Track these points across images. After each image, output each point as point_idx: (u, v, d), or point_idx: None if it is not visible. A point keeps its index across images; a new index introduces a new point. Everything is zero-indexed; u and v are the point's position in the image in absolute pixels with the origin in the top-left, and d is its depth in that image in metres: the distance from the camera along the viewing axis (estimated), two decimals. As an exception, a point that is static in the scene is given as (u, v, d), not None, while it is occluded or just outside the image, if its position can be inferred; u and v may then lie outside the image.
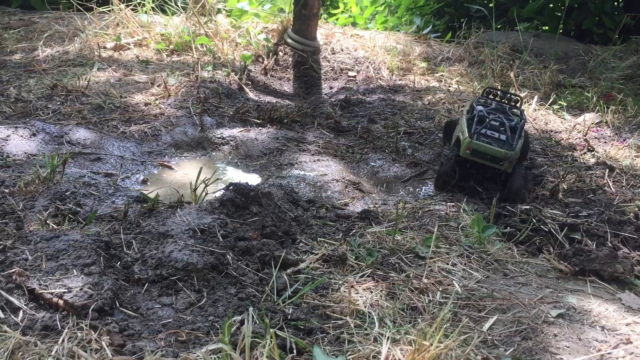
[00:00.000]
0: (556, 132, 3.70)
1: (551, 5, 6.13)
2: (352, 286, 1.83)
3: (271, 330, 1.44)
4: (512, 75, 4.35)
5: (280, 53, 4.65)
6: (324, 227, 2.29)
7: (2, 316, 1.49)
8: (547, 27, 6.32)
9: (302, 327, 1.61)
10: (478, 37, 5.29)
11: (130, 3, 4.65)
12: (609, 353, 1.56)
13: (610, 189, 2.83)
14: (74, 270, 1.65)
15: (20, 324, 1.47)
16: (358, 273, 1.93)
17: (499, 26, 5.96)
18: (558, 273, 2.07)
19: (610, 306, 1.82)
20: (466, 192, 2.87)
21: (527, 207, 2.52)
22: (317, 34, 4.76)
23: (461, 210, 2.53)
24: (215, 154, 3.12)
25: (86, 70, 3.84)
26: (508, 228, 2.36)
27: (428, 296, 1.82)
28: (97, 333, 1.46)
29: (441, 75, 4.64)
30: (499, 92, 3.05)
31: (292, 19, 4.68)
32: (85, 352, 1.40)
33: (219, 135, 3.23)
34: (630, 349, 1.57)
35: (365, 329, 1.62)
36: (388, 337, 1.54)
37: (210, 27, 4.58)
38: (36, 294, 1.56)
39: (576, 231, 2.30)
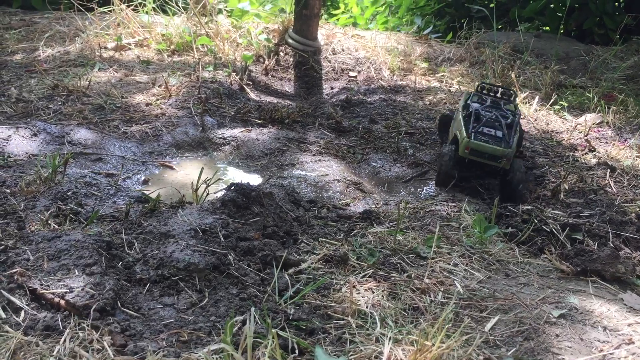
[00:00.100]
0: (557, 132, 3.70)
1: (552, 5, 6.13)
2: (354, 286, 1.83)
3: (273, 330, 1.44)
4: (513, 75, 4.35)
5: (281, 53, 4.65)
6: (326, 228, 2.29)
7: (4, 316, 1.49)
8: (548, 28, 6.32)
9: (304, 327, 1.61)
10: (479, 38, 5.29)
11: (131, 3, 4.65)
12: (611, 353, 1.56)
13: (612, 189, 2.82)
14: (76, 271, 1.65)
15: (22, 324, 1.47)
16: (360, 273, 1.93)
17: (499, 26, 5.96)
18: (560, 273, 2.07)
19: (612, 306, 1.82)
20: (467, 192, 2.87)
21: (529, 207, 2.52)
22: (318, 34, 4.76)
23: (462, 211, 2.53)
24: (217, 154, 3.12)
25: (87, 70, 3.84)
26: (509, 228, 2.36)
27: (430, 296, 1.81)
28: (98, 333, 1.46)
29: (442, 75, 4.64)
30: (492, 88, 3.08)
31: (293, 19, 4.68)
32: (87, 352, 1.40)
33: (220, 136, 3.23)
34: (632, 349, 1.57)
35: (367, 329, 1.62)
36: (390, 338, 1.54)
37: (211, 28, 4.59)
38: (38, 294, 1.56)
39: (578, 231, 2.29)
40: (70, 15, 4.82)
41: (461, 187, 2.91)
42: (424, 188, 2.89)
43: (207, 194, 2.29)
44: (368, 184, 2.94)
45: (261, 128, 3.40)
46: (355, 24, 6.84)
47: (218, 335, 1.53)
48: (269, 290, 1.77)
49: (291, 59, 4.61)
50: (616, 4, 5.96)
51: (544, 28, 6.39)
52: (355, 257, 2.02)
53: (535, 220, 2.35)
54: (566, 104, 4.12)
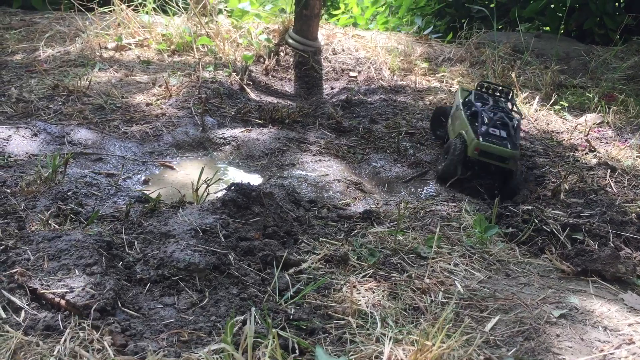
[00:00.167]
0: (558, 132, 3.70)
1: (552, 5, 6.12)
2: (354, 286, 1.83)
3: (273, 330, 1.44)
4: (513, 75, 4.35)
5: (282, 53, 4.65)
6: (326, 228, 2.29)
7: (4, 316, 1.49)
8: (548, 28, 6.31)
9: (304, 327, 1.61)
10: (479, 38, 5.29)
11: (131, 3, 4.65)
12: (611, 353, 1.56)
13: (612, 189, 2.82)
14: (76, 270, 1.64)
15: (22, 324, 1.47)
16: (360, 273, 1.93)
17: (500, 27, 5.96)
18: (560, 273, 2.07)
19: (612, 306, 1.82)
20: (468, 192, 2.87)
21: (529, 207, 2.52)
22: (318, 34, 4.76)
23: (463, 211, 2.53)
24: (217, 154, 3.12)
25: (87, 70, 3.85)
26: (510, 228, 2.36)
27: (430, 296, 1.81)
28: (99, 333, 1.46)
29: (442, 75, 4.64)
30: (491, 86, 3.12)
31: (293, 19, 4.68)
32: (88, 352, 1.40)
33: (220, 136, 3.23)
34: (632, 349, 1.57)
35: (368, 329, 1.62)
36: (390, 337, 1.54)
37: (211, 28, 4.59)
38: (38, 294, 1.56)
39: (578, 231, 2.29)
40: (70, 16, 4.82)
41: (461, 187, 2.91)
42: (425, 188, 2.88)
43: (208, 194, 2.29)
44: (368, 184, 2.94)
45: (261, 128, 3.40)
46: (355, 24, 6.84)
47: (218, 335, 1.53)
48: (269, 290, 1.77)
49: (291, 59, 4.61)
50: (616, 4, 5.96)
51: (544, 28, 6.38)
52: (355, 257, 2.02)
53: (536, 220, 2.35)
54: (566, 104, 4.12)
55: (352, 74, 4.58)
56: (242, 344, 1.39)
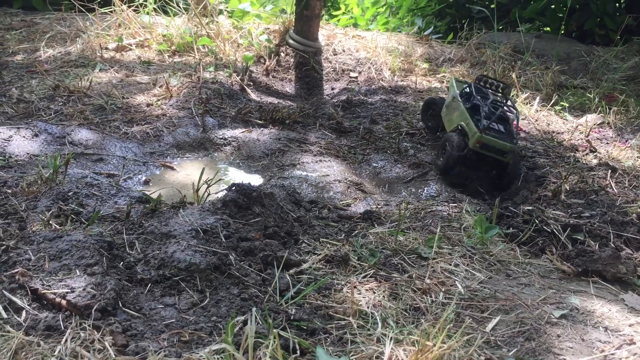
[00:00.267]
0: (558, 133, 3.69)
1: (553, 6, 6.12)
2: (355, 287, 1.83)
3: (274, 330, 1.44)
4: (514, 76, 4.35)
5: (282, 54, 4.65)
6: (327, 228, 2.29)
7: (5, 316, 1.49)
8: (548, 28, 6.31)
9: (305, 327, 1.61)
10: (480, 38, 5.29)
11: (132, 4, 4.66)
12: (612, 354, 1.56)
13: (613, 189, 2.82)
14: (77, 271, 1.65)
15: (23, 324, 1.47)
16: (361, 273, 1.93)
17: (500, 27, 5.96)
18: (561, 274, 2.07)
19: (613, 307, 1.82)
20: (468, 192, 2.88)
21: (530, 207, 2.52)
22: (319, 35, 4.76)
23: (463, 211, 2.53)
24: (217, 154, 3.12)
25: (88, 71, 3.85)
26: (510, 229, 2.36)
27: (431, 297, 1.81)
28: (100, 333, 1.46)
29: (443, 76, 4.64)
30: (490, 80, 3.23)
31: (293, 20, 4.68)
32: (89, 352, 1.40)
33: (220, 136, 3.23)
34: (633, 350, 1.57)
35: (368, 330, 1.62)
36: (391, 338, 1.54)
37: (212, 28, 4.59)
38: (39, 294, 1.56)
39: (579, 232, 2.29)
40: (71, 16, 4.82)
41: (462, 188, 2.92)
42: (425, 188, 2.89)
43: (208, 194, 2.29)
44: (369, 184, 2.94)
45: (262, 128, 3.40)
46: (356, 25, 6.85)
47: (219, 336, 1.53)
48: (270, 291, 1.77)
49: (292, 60, 4.61)
50: (617, 4, 5.96)
51: (545, 29, 6.38)
52: (356, 258, 2.02)
53: (537, 221, 2.35)
54: (567, 105, 4.12)
55: (352, 74, 4.58)
56: (243, 344, 1.39)
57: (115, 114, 3.29)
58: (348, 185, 2.78)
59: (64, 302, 1.53)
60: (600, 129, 3.73)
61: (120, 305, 1.60)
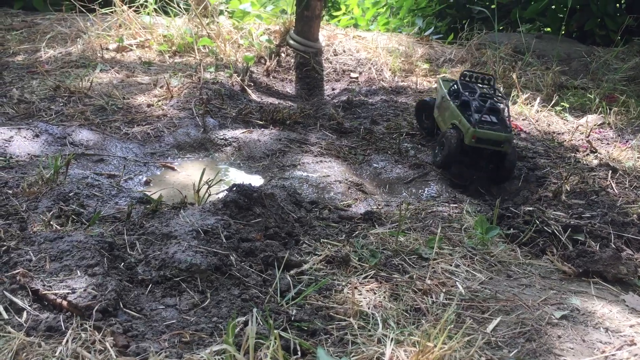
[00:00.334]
0: (559, 133, 3.70)
1: (553, 6, 6.12)
2: (356, 287, 1.83)
3: (275, 331, 1.44)
4: (514, 76, 4.35)
5: (283, 54, 4.65)
6: (327, 229, 2.29)
7: (6, 317, 1.49)
8: (549, 29, 6.31)
9: (306, 328, 1.61)
10: (480, 39, 5.29)
11: (132, 4, 4.66)
12: (613, 355, 1.56)
13: (614, 190, 2.82)
14: (78, 271, 1.65)
15: (24, 324, 1.47)
16: (361, 274, 1.93)
17: (501, 27, 5.96)
18: (561, 274, 2.07)
19: (614, 308, 1.82)
20: (469, 193, 2.88)
21: (530, 208, 2.52)
22: (319, 35, 4.76)
23: (464, 212, 2.53)
24: (218, 155, 3.12)
25: (89, 71, 3.85)
26: (511, 229, 2.36)
27: (431, 297, 1.81)
28: (101, 334, 1.46)
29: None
30: (474, 74, 3.29)
31: (294, 20, 4.69)
32: (89, 353, 1.40)
33: (221, 137, 3.23)
34: (634, 351, 1.57)
35: (369, 330, 1.62)
36: (392, 339, 1.54)
37: (212, 29, 4.59)
38: (40, 295, 1.56)
39: (579, 232, 2.29)
40: (71, 17, 4.82)
41: (463, 188, 2.92)
42: (426, 189, 2.89)
43: (209, 195, 2.29)
44: (369, 185, 2.94)
45: (262, 129, 3.40)
46: (356, 25, 6.85)
47: (220, 336, 1.53)
48: (270, 291, 1.77)
49: (292, 60, 4.61)
50: (617, 5, 5.96)
51: (545, 29, 6.39)
52: (356, 258, 2.02)
53: (537, 222, 2.35)
54: (567, 105, 4.12)
55: (353, 75, 4.58)
56: (243, 345, 1.39)
57: (116, 114, 3.29)
58: (349, 185, 2.78)
59: (64, 302, 1.54)
60: (601, 130, 3.73)
61: (121, 306, 1.60)
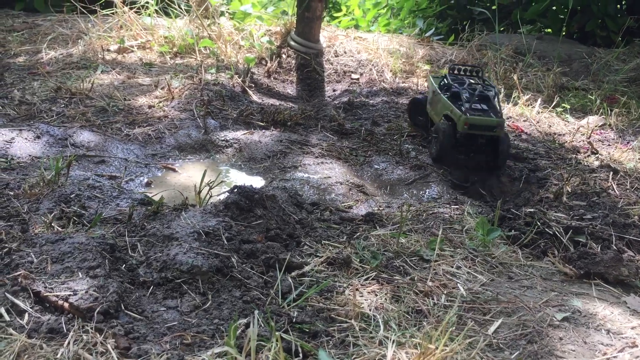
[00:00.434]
0: (560, 134, 3.69)
1: (554, 7, 6.12)
2: (357, 289, 1.83)
3: (276, 333, 1.44)
4: (515, 77, 4.35)
5: (284, 56, 4.65)
6: (328, 230, 2.29)
7: (8, 319, 1.49)
8: (550, 30, 6.31)
9: (307, 330, 1.61)
10: (481, 40, 5.29)
11: (133, 6, 4.66)
12: (614, 356, 1.56)
13: (615, 191, 2.82)
14: (79, 273, 1.65)
15: (26, 326, 1.47)
16: (363, 276, 1.93)
17: (501, 29, 5.96)
18: (563, 276, 2.07)
19: (615, 309, 1.82)
20: (470, 194, 2.88)
21: (532, 210, 2.52)
22: (320, 36, 4.76)
23: (465, 213, 2.53)
24: (219, 156, 3.12)
25: (90, 72, 3.85)
26: (512, 231, 2.36)
27: (433, 299, 1.81)
28: (102, 336, 1.46)
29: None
30: (462, 67, 3.39)
31: (295, 21, 4.69)
32: (91, 355, 1.40)
33: (222, 138, 3.23)
34: (635, 353, 1.57)
35: (370, 332, 1.62)
36: (393, 341, 1.54)
37: (213, 30, 4.59)
38: (41, 297, 1.56)
39: (581, 234, 2.29)
40: (72, 18, 4.82)
41: (464, 190, 2.92)
42: (427, 190, 2.88)
43: (210, 196, 2.29)
44: (370, 186, 2.94)
45: (264, 130, 3.40)
46: (357, 26, 6.85)
47: (221, 338, 1.53)
48: (272, 293, 1.77)
49: (293, 62, 4.61)
50: (618, 6, 5.96)
51: (546, 30, 6.38)
52: (358, 260, 2.02)
53: (538, 223, 2.35)
54: (568, 106, 4.12)
55: (354, 76, 4.58)
56: (245, 347, 1.39)
57: (117, 115, 3.29)
58: (350, 187, 2.78)
59: (66, 304, 1.54)
60: (602, 131, 3.73)
61: (123, 307, 1.60)
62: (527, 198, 2.81)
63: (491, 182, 3.03)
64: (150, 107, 3.47)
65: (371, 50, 4.83)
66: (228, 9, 5.05)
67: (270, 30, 4.88)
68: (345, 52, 4.80)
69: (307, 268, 1.93)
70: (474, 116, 2.92)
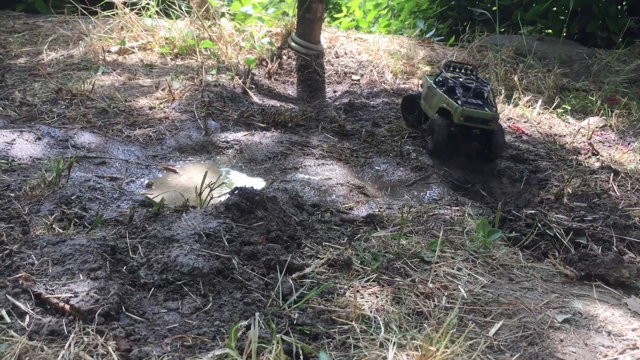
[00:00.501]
0: (560, 135, 3.70)
1: (555, 8, 6.12)
2: (358, 291, 1.83)
3: (277, 335, 1.44)
4: (516, 78, 4.35)
5: (284, 57, 4.66)
6: (329, 232, 2.29)
7: (9, 321, 1.49)
8: (550, 31, 6.31)
9: (308, 332, 1.61)
10: (481, 41, 5.29)
11: (134, 7, 4.66)
12: (615, 358, 1.56)
13: (615, 193, 2.82)
14: (80, 275, 1.65)
15: (27, 328, 1.47)
16: (363, 278, 1.93)
17: (502, 30, 5.96)
18: (564, 278, 2.07)
19: (616, 311, 1.81)
20: (470, 196, 2.88)
21: (532, 211, 2.52)
22: (321, 37, 4.77)
23: (466, 215, 2.53)
24: (220, 157, 3.12)
25: (91, 74, 3.86)
26: (513, 232, 2.36)
27: (434, 301, 1.81)
28: (103, 338, 1.46)
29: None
30: (457, 65, 3.48)
31: (295, 22, 4.69)
32: (92, 357, 1.40)
33: (223, 139, 3.23)
34: (636, 354, 1.57)
35: (371, 334, 1.62)
36: (394, 343, 1.54)
37: (214, 31, 4.60)
38: (42, 299, 1.56)
39: (581, 236, 2.29)
40: (73, 19, 4.83)
41: (465, 191, 2.92)
42: (427, 192, 2.88)
43: (211, 198, 2.29)
44: (371, 187, 2.94)
45: (264, 132, 3.40)
46: (357, 28, 6.86)
47: (222, 340, 1.53)
48: (273, 295, 1.77)
49: (294, 63, 4.62)
50: (619, 7, 5.96)
51: (547, 31, 6.38)
52: (359, 262, 2.02)
53: (539, 225, 2.35)
54: (569, 108, 4.12)
55: (354, 77, 4.58)
56: (246, 349, 1.39)
57: (118, 117, 3.30)
58: (350, 188, 2.78)
59: (67, 306, 1.54)
60: (603, 132, 3.73)
61: (124, 309, 1.60)
62: (527, 199, 2.81)
63: (492, 184, 3.03)
64: (151, 108, 3.47)
65: (372, 51, 4.83)
66: (229, 10, 5.06)
67: (270, 31, 4.88)
68: (345, 53, 4.81)
69: (308, 270, 1.93)
70: (471, 109, 2.99)
